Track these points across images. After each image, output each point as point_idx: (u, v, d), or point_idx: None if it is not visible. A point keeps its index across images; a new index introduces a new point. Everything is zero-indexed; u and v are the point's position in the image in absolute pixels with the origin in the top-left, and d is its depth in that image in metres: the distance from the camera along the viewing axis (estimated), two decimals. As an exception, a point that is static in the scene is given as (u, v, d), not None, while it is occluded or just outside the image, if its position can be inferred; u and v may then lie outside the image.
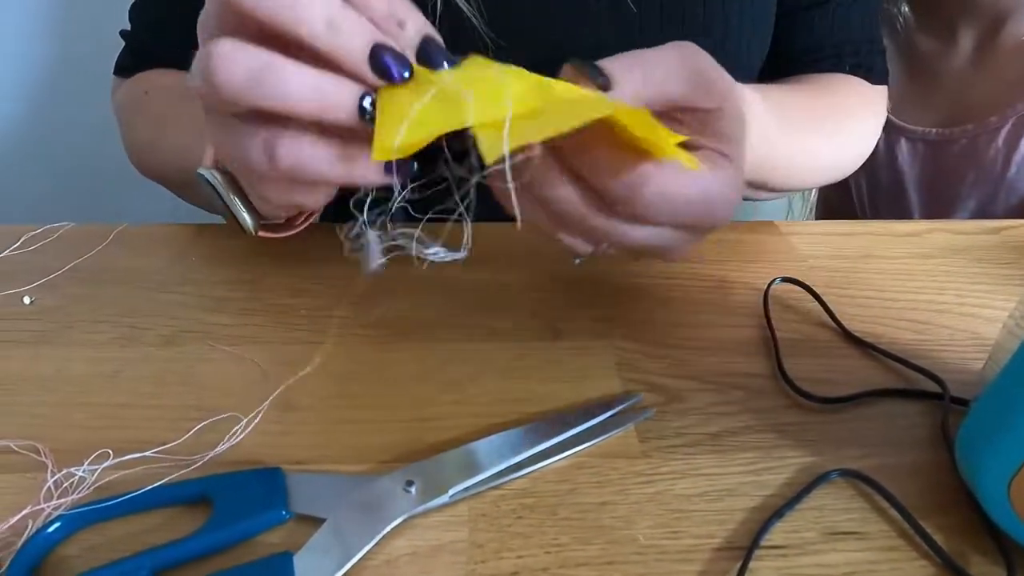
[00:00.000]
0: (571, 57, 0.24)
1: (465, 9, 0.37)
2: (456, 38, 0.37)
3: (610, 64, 0.24)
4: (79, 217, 0.40)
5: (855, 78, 0.45)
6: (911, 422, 0.28)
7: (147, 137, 0.42)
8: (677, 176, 0.23)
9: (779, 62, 0.45)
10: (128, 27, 0.46)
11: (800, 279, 0.35)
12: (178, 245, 0.39)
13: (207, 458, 0.25)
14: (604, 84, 0.24)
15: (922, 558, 0.22)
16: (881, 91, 0.46)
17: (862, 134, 0.45)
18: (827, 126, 0.41)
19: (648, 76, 0.24)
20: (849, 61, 0.44)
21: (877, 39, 0.46)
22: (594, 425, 0.27)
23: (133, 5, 0.45)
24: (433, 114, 0.21)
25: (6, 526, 0.22)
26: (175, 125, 0.39)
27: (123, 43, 0.46)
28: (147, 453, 0.24)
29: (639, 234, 0.25)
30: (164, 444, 0.25)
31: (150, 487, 0.23)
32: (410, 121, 0.21)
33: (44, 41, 0.73)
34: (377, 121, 0.22)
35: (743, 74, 0.42)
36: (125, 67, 0.45)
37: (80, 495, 0.23)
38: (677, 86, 0.25)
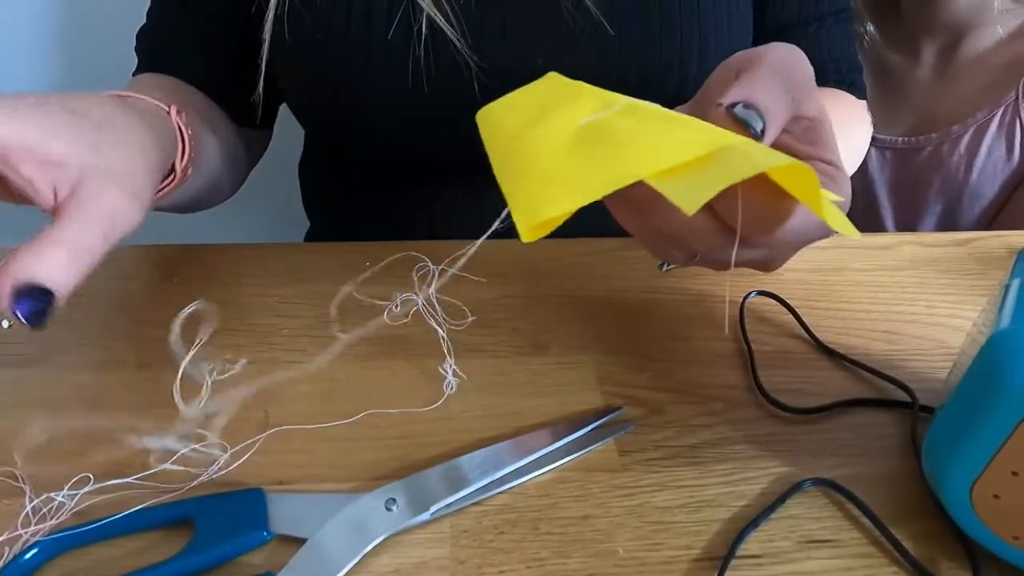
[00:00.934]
0: (734, 105, 0.22)
1: (448, 32, 0.38)
2: (439, 61, 0.38)
3: (760, 104, 0.22)
4: None
5: (843, 92, 0.46)
6: (882, 431, 0.28)
7: None
8: (808, 212, 0.22)
9: None
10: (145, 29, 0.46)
11: (775, 292, 0.36)
12: (161, 267, 0.39)
13: (190, 482, 0.25)
14: (762, 131, 0.22)
15: (893, 564, 0.23)
16: (864, 105, 0.48)
17: (857, 144, 0.46)
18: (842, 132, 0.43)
19: (779, 109, 0.23)
20: (832, 78, 0.46)
21: (855, 58, 0.48)
22: (576, 439, 0.27)
23: (148, 10, 0.45)
24: (593, 169, 0.20)
25: (-16, 553, 0.21)
26: None
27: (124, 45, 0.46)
28: (128, 479, 0.24)
29: (749, 255, 0.25)
30: (146, 468, 0.25)
31: (130, 511, 0.23)
32: (566, 182, 0.20)
33: (50, 48, 0.73)
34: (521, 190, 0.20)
35: None
36: (136, 70, 0.45)
37: (59, 520, 0.23)
38: (795, 102, 0.24)
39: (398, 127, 0.42)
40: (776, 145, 0.24)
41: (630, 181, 0.19)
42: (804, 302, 0.36)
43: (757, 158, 0.20)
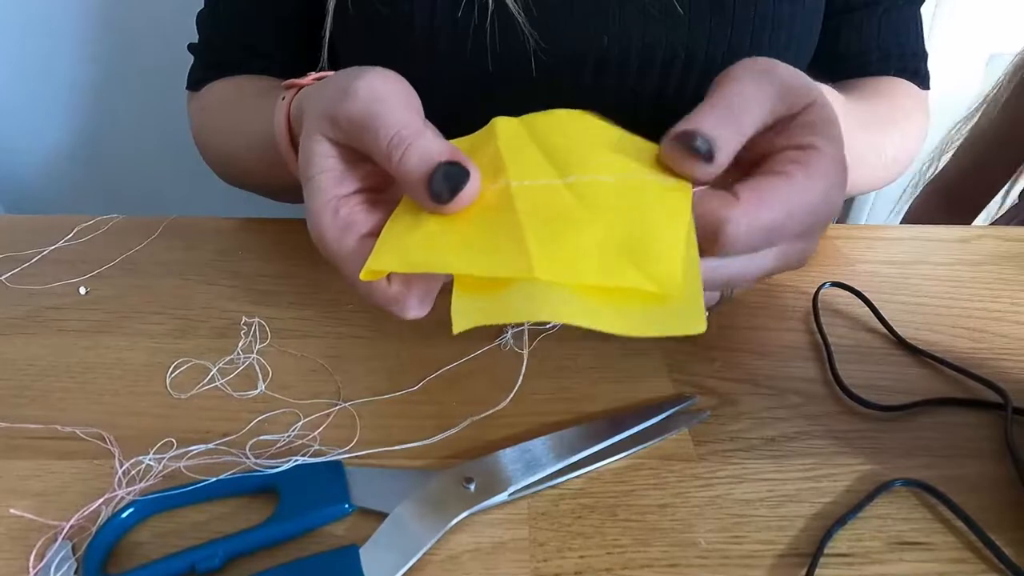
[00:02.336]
0: (674, 134, 0.23)
1: (511, 7, 0.37)
2: (504, 38, 0.37)
3: (709, 130, 0.22)
4: (130, 211, 0.41)
5: (904, 80, 0.45)
6: (971, 433, 0.27)
7: (224, 153, 0.43)
8: (758, 206, 0.22)
9: (825, 63, 0.45)
10: (191, 40, 0.46)
11: (848, 284, 0.35)
12: (224, 238, 0.39)
13: (270, 451, 0.25)
14: (708, 154, 0.22)
15: (992, 571, 0.22)
16: (926, 96, 0.46)
17: (916, 135, 0.44)
18: (889, 126, 0.41)
19: (741, 124, 0.23)
20: (895, 65, 0.44)
21: (921, 46, 0.46)
22: (649, 427, 0.27)
23: (199, 15, 0.46)
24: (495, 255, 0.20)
25: (86, 512, 0.22)
26: (244, 147, 0.39)
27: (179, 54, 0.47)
28: (211, 445, 0.25)
29: (751, 266, 0.24)
30: (225, 436, 0.26)
31: (219, 477, 0.23)
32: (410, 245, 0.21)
33: (99, 37, 0.75)
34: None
35: (791, 63, 0.41)
36: (195, 80, 0.46)
37: (149, 483, 0.23)
38: (767, 114, 0.24)
39: (458, 103, 0.41)
40: (751, 148, 0.23)
41: (441, 271, 0.21)
42: (879, 295, 0.35)
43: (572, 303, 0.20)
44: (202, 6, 0.45)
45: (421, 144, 0.22)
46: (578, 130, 0.24)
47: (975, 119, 0.68)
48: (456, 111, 0.42)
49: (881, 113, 0.41)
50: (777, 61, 0.26)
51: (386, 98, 0.24)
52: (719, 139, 0.22)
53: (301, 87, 0.30)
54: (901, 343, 0.32)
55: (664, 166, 0.23)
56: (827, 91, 0.30)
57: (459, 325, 0.20)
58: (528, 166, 0.23)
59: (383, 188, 0.25)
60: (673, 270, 0.20)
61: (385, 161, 0.23)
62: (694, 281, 0.20)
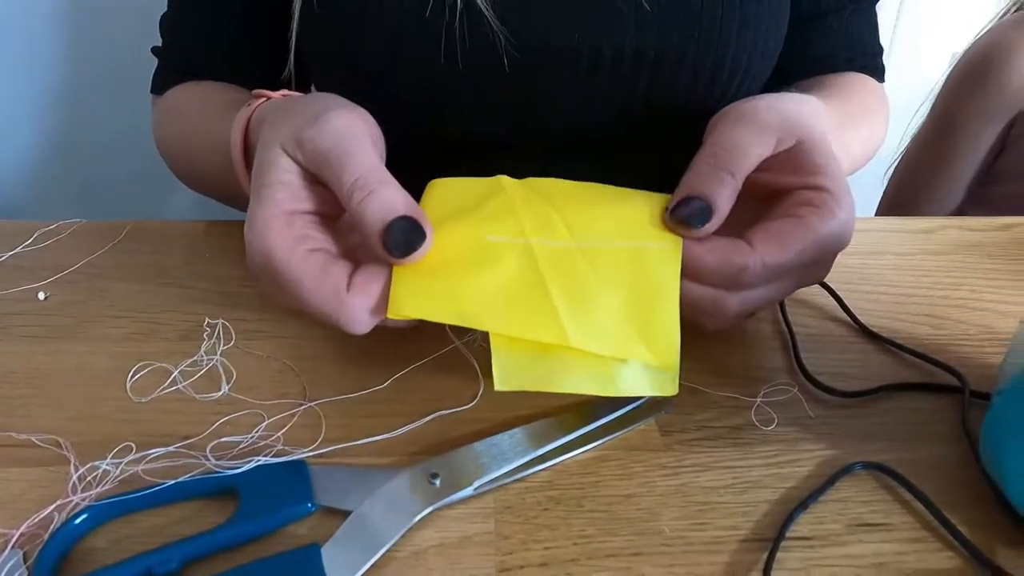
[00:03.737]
0: (674, 204, 0.25)
1: (480, 3, 0.37)
2: (473, 34, 0.37)
3: (708, 192, 0.25)
4: (102, 216, 0.40)
5: (866, 76, 0.47)
6: (931, 416, 0.28)
7: (185, 157, 0.42)
8: (772, 249, 0.24)
9: (800, 67, 0.47)
10: (159, 43, 0.46)
11: (815, 275, 0.35)
12: (189, 241, 0.39)
13: (231, 452, 0.25)
14: (706, 215, 0.25)
15: (948, 549, 0.22)
16: (884, 88, 0.49)
17: (880, 128, 0.47)
18: (857, 124, 0.43)
19: (734, 174, 0.25)
20: (860, 63, 0.47)
21: (878, 42, 0.49)
22: (616, 418, 0.27)
23: (162, 19, 0.45)
24: (459, 297, 0.23)
25: (37, 519, 0.22)
26: (203, 152, 0.39)
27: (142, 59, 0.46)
28: (170, 448, 0.24)
29: (771, 294, 0.26)
30: (187, 439, 0.25)
31: (176, 480, 0.23)
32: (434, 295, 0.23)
33: (69, 39, 0.73)
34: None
35: (759, 63, 0.42)
36: (160, 84, 0.45)
37: (105, 488, 0.23)
38: (759, 156, 0.26)
39: (428, 101, 0.41)
40: (754, 184, 0.26)
41: (476, 327, 0.24)
42: (844, 285, 0.35)
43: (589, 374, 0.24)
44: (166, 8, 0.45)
45: (384, 193, 0.23)
46: (578, 192, 0.27)
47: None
48: (428, 112, 0.42)
49: (849, 111, 0.43)
50: (762, 101, 0.28)
51: (357, 137, 0.24)
52: (714, 199, 0.25)
53: (269, 98, 0.30)
54: (864, 331, 0.33)
55: (660, 220, 0.26)
56: (814, 100, 0.31)
57: (501, 385, 0.23)
58: (543, 225, 0.25)
59: (334, 217, 0.26)
60: (672, 345, 0.24)
61: (345, 199, 0.23)
62: (677, 349, 0.24)
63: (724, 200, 0.25)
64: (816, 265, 0.27)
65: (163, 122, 0.44)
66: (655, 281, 0.25)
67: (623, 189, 0.27)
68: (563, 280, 0.24)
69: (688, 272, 0.25)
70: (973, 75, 0.57)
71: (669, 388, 0.25)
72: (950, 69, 0.66)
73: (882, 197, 0.75)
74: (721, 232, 0.26)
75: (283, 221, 0.23)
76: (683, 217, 0.25)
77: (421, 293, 0.24)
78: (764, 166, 0.27)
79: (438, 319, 0.24)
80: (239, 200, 0.39)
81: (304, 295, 0.23)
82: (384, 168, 0.24)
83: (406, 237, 0.23)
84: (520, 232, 0.25)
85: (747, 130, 0.26)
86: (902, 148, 0.71)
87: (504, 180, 0.28)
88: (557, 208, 0.26)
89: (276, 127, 0.25)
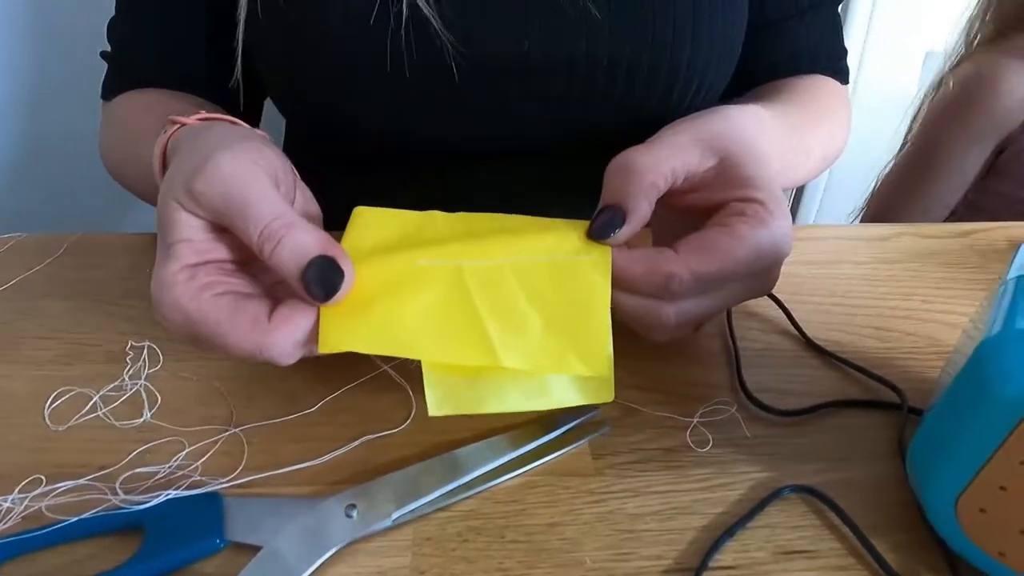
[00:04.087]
0: (595, 217, 0.26)
1: (426, 11, 0.36)
2: (421, 44, 0.36)
3: (621, 200, 0.25)
4: (61, 227, 0.39)
5: (828, 78, 0.46)
6: (870, 434, 0.27)
7: (120, 173, 0.42)
8: (698, 257, 0.24)
9: (763, 70, 0.46)
10: (108, 48, 0.45)
11: (765, 286, 0.35)
12: (132, 256, 0.38)
13: (143, 491, 0.24)
14: (620, 222, 0.25)
15: (872, 577, 0.22)
16: (847, 89, 0.48)
17: (842, 130, 0.46)
18: (817, 125, 0.42)
19: (655, 184, 0.25)
20: (823, 65, 0.46)
21: (841, 44, 0.48)
22: (548, 441, 0.26)
23: (110, 23, 0.44)
24: (394, 330, 0.23)
25: (-81, 563, 0.21)
26: (133, 174, 0.38)
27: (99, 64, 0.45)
28: (80, 480, 0.24)
29: (717, 303, 0.26)
30: (102, 469, 0.25)
31: (80, 517, 0.22)
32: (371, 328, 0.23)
33: (22, 50, 0.72)
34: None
35: (715, 71, 0.42)
36: (109, 89, 0.44)
37: (7, 525, 0.22)
38: (668, 170, 0.26)
39: (378, 111, 0.40)
40: (691, 207, 0.27)
41: (409, 356, 0.24)
42: (795, 296, 0.35)
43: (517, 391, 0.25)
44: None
45: (293, 238, 0.22)
46: (510, 223, 0.27)
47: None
48: (380, 121, 0.41)
49: (810, 114, 0.42)
50: (686, 119, 0.28)
51: (251, 179, 0.23)
52: (626, 205, 0.25)
53: (184, 124, 0.29)
54: (811, 345, 0.32)
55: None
56: (751, 113, 0.30)
57: (435, 411, 0.24)
58: (474, 248, 0.25)
59: (251, 259, 0.25)
60: (603, 354, 0.24)
61: (257, 251, 0.23)
62: (610, 357, 0.24)
63: (638, 206, 0.25)
64: (755, 277, 0.27)
65: (106, 131, 0.43)
66: (585, 291, 0.25)
67: (557, 220, 0.28)
68: (493, 299, 0.24)
69: (618, 283, 0.25)
70: (958, 100, 0.58)
71: (605, 395, 0.25)
72: (929, 89, 0.66)
73: (865, 208, 0.75)
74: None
75: (186, 275, 0.23)
76: (598, 227, 0.25)
77: (352, 326, 0.23)
78: (695, 186, 0.27)
79: (370, 351, 0.23)
80: None
81: (222, 336, 0.22)
82: (288, 208, 0.23)
83: (324, 277, 0.22)
84: (450, 255, 0.25)
85: (661, 145, 0.26)
86: (893, 151, 0.72)
87: (436, 214, 0.28)
88: (488, 233, 0.26)
89: (171, 177, 0.24)
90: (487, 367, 0.24)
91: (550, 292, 0.25)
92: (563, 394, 0.25)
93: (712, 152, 0.26)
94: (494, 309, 0.24)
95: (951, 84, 0.61)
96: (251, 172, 0.23)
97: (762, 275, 0.27)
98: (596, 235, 0.25)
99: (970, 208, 0.66)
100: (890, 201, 0.70)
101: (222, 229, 0.24)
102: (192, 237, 0.23)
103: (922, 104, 0.68)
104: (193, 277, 0.23)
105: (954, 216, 0.67)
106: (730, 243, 0.25)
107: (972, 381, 0.20)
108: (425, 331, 0.24)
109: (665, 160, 0.26)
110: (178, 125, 0.29)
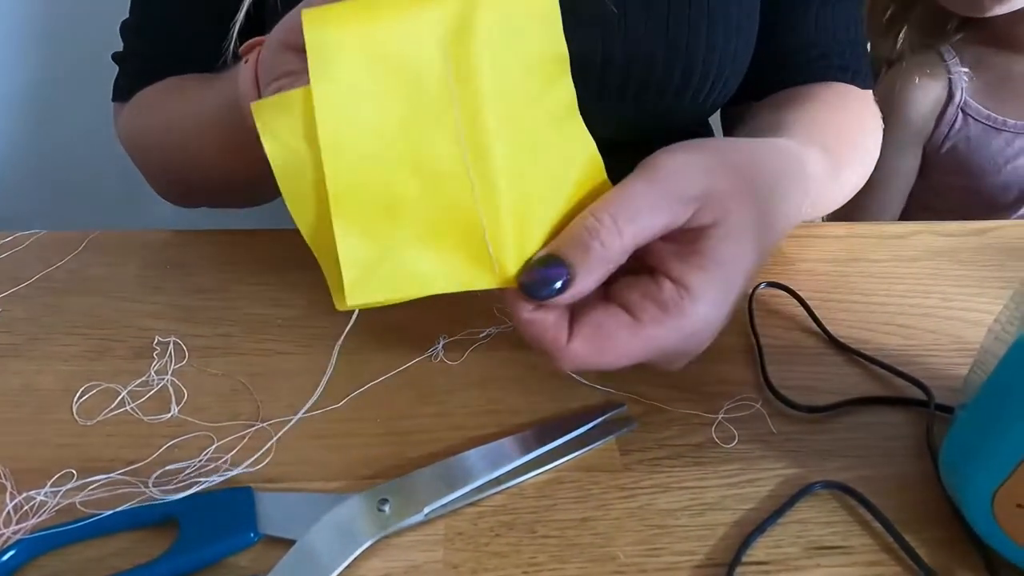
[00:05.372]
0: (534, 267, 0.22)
1: None
2: None
3: (576, 264, 0.21)
4: (75, 225, 0.39)
5: (852, 89, 0.44)
6: (896, 431, 0.27)
7: (168, 148, 0.41)
8: (589, 352, 0.22)
9: (765, 61, 0.45)
10: (119, 50, 0.45)
11: (785, 283, 0.35)
12: (151, 252, 0.38)
13: (175, 484, 0.24)
14: (563, 287, 0.21)
15: (906, 572, 0.22)
16: (870, 96, 0.46)
17: (873, 153, 0.44)
18: (851, 159, 0.40)
19: (603, 266, 0.22)
20: (836, 62, 0.44)
21: (861, 42, 0.46)
22: (575, 437, 0.26)
23: (123, 24, 0.44)
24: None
25: (-40, 555, 0.21)
26: (199, 121, 0.37)
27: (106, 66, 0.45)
28: (112, 475, 0.24)
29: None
30: (132, 464, 0.25)
31: (113, 511, 0.22)
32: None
33: (29, 48, 0.72)
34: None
35: (731, 66, 0.41)
36: (125, 89, 0.44)
37: (40, 519, 0.22)
38: (648, 230, 0.22)
39: None
40: (650, 251, 0.23)
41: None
42: (816, 294, 0.35)
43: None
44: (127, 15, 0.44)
45: None
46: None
47: None
48: None
49: (845, 143, 0.40)
50: (702, 154, 0.23)
51: None
52: (578, 277, 0.21)
53: (262, 44, 0.28)
54: (833, 342, 0.32)
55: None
56: (800, 153, 0.28)
57: (352, 298, 0.21)
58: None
59: None
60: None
61: None
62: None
63: (586, 278, 0.21)
64: (664, 364, 0.24)
65: (136, 118, 0.43)
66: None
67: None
68: (491, 197, 0.21)
69: (515, 321, 0.23)
70: (883, 112, 0.61)
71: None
72: None
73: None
74: None
75: None
76: (533, 281, 0.21)
77: (374, 280, 0.21)
78: (670, 235, 0.23)
79: (390, 300, 0.21)
80: (238, 180, 0.37)
81: None
82: None
83: None
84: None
85: (656, 191, 0.22)
86: None
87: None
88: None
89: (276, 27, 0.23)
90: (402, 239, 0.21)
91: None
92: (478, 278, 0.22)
93: (710, 212, 0.22)
94: (493, 211, 0.21)
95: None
96: None
97: (666, 363, 0.24)
98: (528, 288, 0.21)
99: (926, 210, 0.70)
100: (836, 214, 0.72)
101: None
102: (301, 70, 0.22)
103: None
104: None
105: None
106: (629, 342, 0.22)
107: (1011, 377, 0.20)
108: (428, 258, 0.21)
109: (651, 215, 0.22)
110: (257, 48, 0.28)
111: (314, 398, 0.28)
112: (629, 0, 0.38)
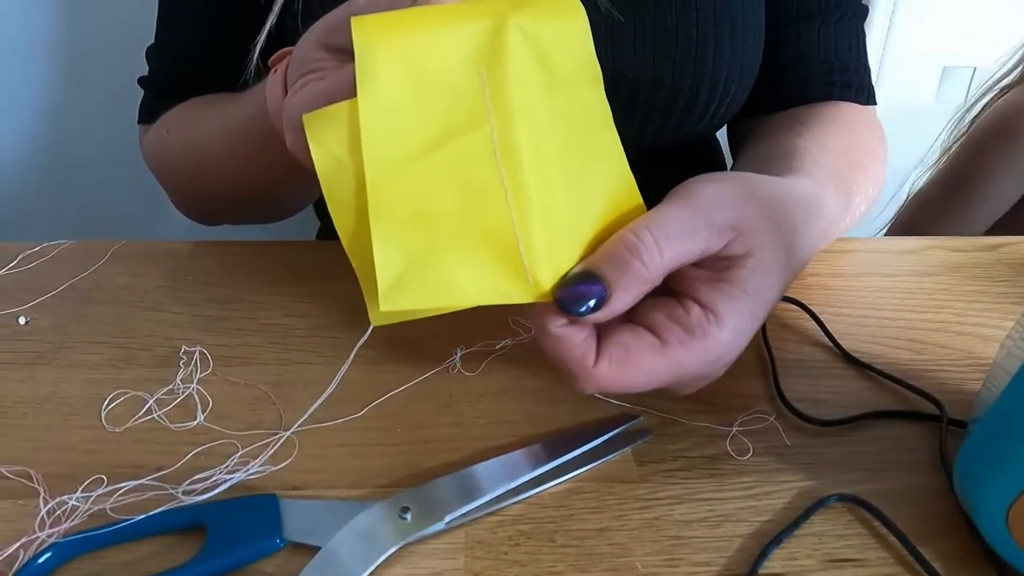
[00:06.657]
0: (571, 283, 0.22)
1: None
2: None
3: (613, 283, 0.21)
4: (95, 236, 0.40)
5: (857, 108, 0.44)
6: (909, 445, 0.28)
7: (196, 165, 0.41)
8: (613, 375, 0.22)
9: (769, 77, 0.45)
10: (144, 74, 0.46)
11: (797, 298, 0.35)
12: (174, 262, 0.39)
13: (202, 485, 0.24)
14: (600, 303, 0.21)
15: (922, 586, 0.22)
16: (874, 113, 0.46)
17: (881, 174, 0.44)
18: (859, 181, 0.40)
19: (640, 286, 0.22)
20: (839, 79, 0.44)
21: (864, 60, 0.46)
22: (592, 448, 0.27)
23: (149, 49, 0.45)
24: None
25: (2, 556, 0.21)
26: (230, 135, 0.38)
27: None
28: (142, 480, 0.24)
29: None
30: (159, 470, 0.25)
31: (144, 515, 0.22)
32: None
33: (52, 60, 0.74)
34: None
35: (738, 80, 0.42)
36: (149, 111, 0.45)
37: (73, 523, 0.23)
38: (685, 255, 0.22)
39: None
40: (679, 276, 0.23)
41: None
42: (827, 308, 0.35)
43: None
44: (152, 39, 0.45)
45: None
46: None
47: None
48: None
49: (855, 168, 0.40)
50: (738, 185, 0.24)
51: None
52: (614, 297, 0.21)
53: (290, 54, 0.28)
54: (845, 356, 0.33)
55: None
56: (803, 192, 0.28)
57: (387, 304, 0.21)
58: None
59: None
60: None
61: None
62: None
63: (623, 296, 0.21)
64: (684, 387, 0.25)
65: (161, 136, 0.44)
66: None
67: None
68: (525, 202, 0.21)
69: (541, 337, 0.23)
70: (1005, 131, 0.58)
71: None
72: (964, 115, 0.67)
73: (897, 217, 0.74)
74: None
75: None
76: (570, 296, 0.21)
77: (407, 286, 0.21)
78: (702, 262, 0.23)
79: (425, 308, 0.21)
80: (266, 192, 0.38)
81: None
82: None
83: None
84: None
85: (694, 217, 0.22)
86: (919, 169, 0.72)
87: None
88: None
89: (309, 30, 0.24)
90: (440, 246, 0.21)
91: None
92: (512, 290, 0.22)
93: (743, 243, 0.23)
94: (526, 220, 0.21)
95: (999, 110, 0.62)
96: None
97: (680, 388, 0.25)
98: (563, 304, 0.21)
99: (1003, 233, 0.67)
100: (923, 215, 0.70)
101: None
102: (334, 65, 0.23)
103: (961, 119, 0.68)
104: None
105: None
106: (655, 364, 0.22)
107: (1023, 393, 0.20)
108: (462, 266, 0.21)
109: (690, 241, 0.22)
110: (286, 59, 0.28)
111: (330, 403, 0.28)
112: (638, 16, 0.39)
